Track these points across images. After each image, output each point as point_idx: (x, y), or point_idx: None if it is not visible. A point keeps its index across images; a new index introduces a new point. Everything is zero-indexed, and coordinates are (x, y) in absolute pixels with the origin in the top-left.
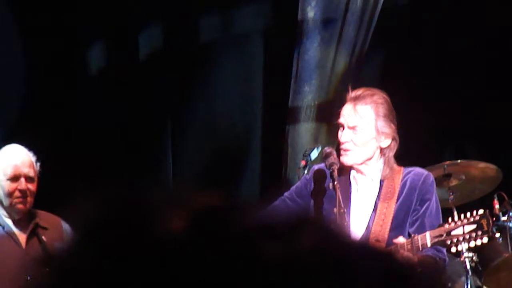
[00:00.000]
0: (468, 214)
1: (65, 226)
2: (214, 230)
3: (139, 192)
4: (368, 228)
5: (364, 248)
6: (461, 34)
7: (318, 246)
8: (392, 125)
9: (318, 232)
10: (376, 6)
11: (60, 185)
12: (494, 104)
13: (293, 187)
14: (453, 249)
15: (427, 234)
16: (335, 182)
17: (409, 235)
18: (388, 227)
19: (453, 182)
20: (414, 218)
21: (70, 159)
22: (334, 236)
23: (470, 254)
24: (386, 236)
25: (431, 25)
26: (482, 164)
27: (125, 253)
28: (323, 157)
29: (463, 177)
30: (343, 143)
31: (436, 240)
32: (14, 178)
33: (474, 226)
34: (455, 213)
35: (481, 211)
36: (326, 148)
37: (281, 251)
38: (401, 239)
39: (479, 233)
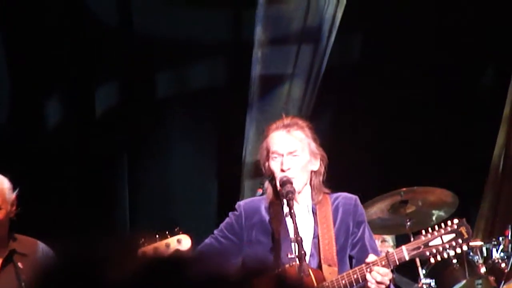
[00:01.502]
0: (443, 225)
1: (44, 250)
2: (166, 280)
3: (92, 241)
4: (317, 254)
5: None
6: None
7: None
8: (320, 147)
9: (275, 280)
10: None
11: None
12: (450, 131)
13: (222, 225)
14: (432, 260)
15: (403, 248)
16: (292, 211)
17: (350, 258)
18: (335, 251)
19: (410, 209)
20: (355, 241)
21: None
22: (292, 285)
23: (428, 280)
24: (336, 259)
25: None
26: (438, 190)
27: None
28: (280, 185)
29: (420, 203)
30: (286, 171)
31: (414, 252)
32: None
33: (453, 235)
34: (412, 239)
35: (456, 220)
36: (282, 177)
37: None
38: (372, 257)
39: (459, 241)
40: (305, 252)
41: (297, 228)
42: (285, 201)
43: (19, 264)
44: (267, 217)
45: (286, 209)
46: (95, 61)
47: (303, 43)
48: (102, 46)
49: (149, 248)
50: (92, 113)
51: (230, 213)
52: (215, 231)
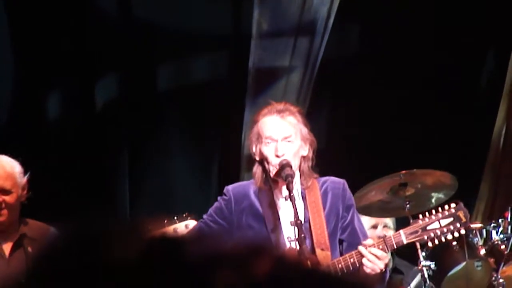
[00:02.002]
0: (441, 209)
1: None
2: (167, 258)
3: (94, 221)
4: (309, 239)
5: (330, 277)
6: (412, 44)
7: (276, 275)
8: (310, 133)
9: (275, 259)
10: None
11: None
12: (448, 112)
13: (212, 209)
14: (430, 244)
15: (401, 232)
16: (292, 194)
17: (340, 241)
18: (326, 235)
19: (409, 191)
20: (344, 224)
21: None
22: (293, 264)
23: (428, 263)
24: (328, 243)
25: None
26: (437, 173)
27: (79, 283)
28: (278, 168)
29: (419, 186)
30: (281, 156)
31: (412, 236)
32: None
33: (451, 219)
34: (412, 221)
35: (454, 204)
36: (282, 160)
37: (237, 280)
38: (370, 241)
39: (457, 225)
40: (305, 235)
41: (296, 212)
42: (279, 185)
43: (29, 249)
44: (256, 202)
45: (285, 192)
46: (95, 54)
47: (300, 35)
48: (102, 39)
49: (157, 233)
50: (92, 106)
51: (219, 198)
52: (204, 216)
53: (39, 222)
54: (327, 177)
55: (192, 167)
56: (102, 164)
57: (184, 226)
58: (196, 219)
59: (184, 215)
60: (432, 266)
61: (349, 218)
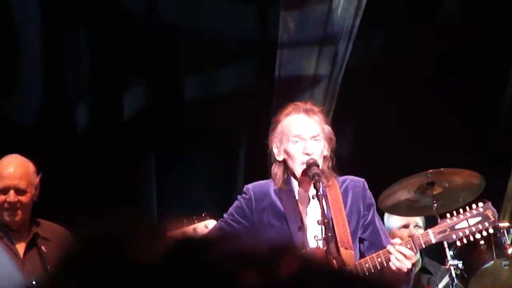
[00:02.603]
0: (469, 208)
1: (71, 237)
2: (191, 260)
3: (119, 223)
4: (333, 237)
5: (356, 277)
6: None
7: (300, 275)
8: (331, 132)
9: (300, 259)
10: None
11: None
12: (476, 113)
13: (232, 209)
14: (458, 243)
15: (430, 231)
16: (319, 193)
17: (361, 240)
18: (349, 234)
19: (437, 190)
20: (366, 223)
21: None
22: (317, 264)
23: (456, 262)
24: (351, 243)
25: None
26: (465, 172)
27: (104, 284)
28: (305, 168)
29: (447, 185)
30: (310, 155)
31: (440, 236)
32: (4, 190)
33: (479, 218)
34: (439, 220)
35: (481, 203)
36: (309, 159)
37: (261, 281)
38: (398, 240)
39: (486, 224)
40: (332, 234)
41: (324, 210)
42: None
43: (43, 248)
44: (277, 200)
45: (312, 192)
46: (122, 63)
47: (325, 43)
48: (129, 47)
49: (177, 233)
50: (120, 115)
51: (239, 197)
52: (225, 215)
53: (49, 222)
54: (346, 176)
55: (218, 176)
56: (129, 172)
57: (204, 226)
58: (216, 219)
59: (203, 215)
60: (460, 265)
61: (370, 217)
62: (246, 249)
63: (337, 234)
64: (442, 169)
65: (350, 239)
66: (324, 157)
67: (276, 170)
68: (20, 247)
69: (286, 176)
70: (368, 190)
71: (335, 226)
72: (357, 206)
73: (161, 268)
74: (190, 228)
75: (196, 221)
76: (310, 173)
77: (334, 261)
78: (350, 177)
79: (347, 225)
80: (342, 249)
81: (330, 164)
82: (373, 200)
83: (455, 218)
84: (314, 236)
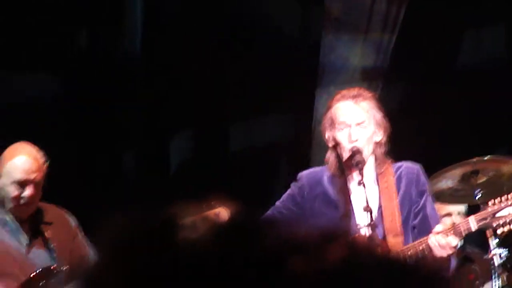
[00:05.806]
0: (511, 196)
1: (70, 218)
2: (241, 246)
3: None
4: (381, 225)
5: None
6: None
7: (348, 261)
8: (384, 118)
9: (347, 246)
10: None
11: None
12: None
13: (284, 196)
14: (499, 231)
15: (471, 219)
16: (362, 180)
17: (413, 227)
18: (399, 222)
19: (481, 179)
20: (416, 210)
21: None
22: (364, 251)
23: (500, 251)
24: (400, 230)
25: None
26: (511, 161)
27: (155, 269)
28: (350, 155)
29: (491, 174)
30: (354, 142)
31: (481, 223)
32: (22, 184)
33: None
34: (481, 207)
35: None
36: (352, 147)
37: (310, 267)
38: (439, 227)
39: None
40: (376, 222)
41: (367, 198)
42: (354, 171)
43: (47, 234)
44: (330, 188)
45: (357, 178)
46: (167, 114)
47: (370, 31)
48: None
49: (196, 218)
50: (167, 166)
51: (292, 184)
52: (277, 202)
53: (51, 205)
54: (402, 162)
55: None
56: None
57: (213, 214)
58: (226, 208)
59: (212, 203)
60: (504, 254)
61: (421, 203)
62: (296, 236)
63: (384, 221)
64: (487, 157)
65: (399, 227)
66: (377, 143)
67: (329, 156)
68: (25, 235)
69: (338, 162)
70: (423, 176)
71: (384, 212)
72: (409, 193)
73: (211, 253)
74: (211, 212)
75: (205, 209)
76: (353, 161)
77: (378, 248)
78: (406, 164)
79: (397, 213)
80: (389, 236)
81: (383, 150)
82: (426, 187)
83: (496, 206)
84: (359, 223)
